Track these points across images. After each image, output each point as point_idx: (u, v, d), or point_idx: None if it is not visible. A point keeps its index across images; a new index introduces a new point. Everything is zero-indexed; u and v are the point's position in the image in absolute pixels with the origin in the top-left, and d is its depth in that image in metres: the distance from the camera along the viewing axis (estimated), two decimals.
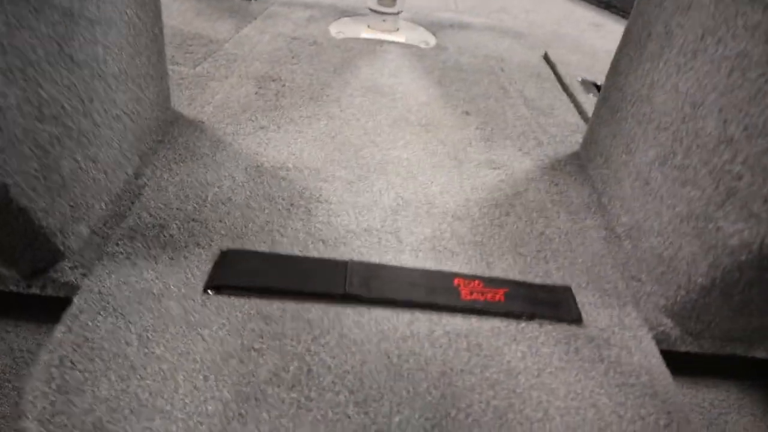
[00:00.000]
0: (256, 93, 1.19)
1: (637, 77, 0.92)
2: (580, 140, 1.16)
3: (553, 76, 1.55)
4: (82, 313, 0.64)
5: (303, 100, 1.18)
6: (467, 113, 1.22)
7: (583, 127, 1.25)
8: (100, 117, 0.75)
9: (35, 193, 0.63)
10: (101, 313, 0.64)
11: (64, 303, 0.66)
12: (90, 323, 0.63)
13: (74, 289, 0.68)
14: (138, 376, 0.58)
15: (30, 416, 0.53)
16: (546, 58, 1.68)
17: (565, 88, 1.47)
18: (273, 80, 1.26)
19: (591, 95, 1.43)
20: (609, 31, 2.15)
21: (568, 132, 1.22)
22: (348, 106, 1.18)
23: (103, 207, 0.79)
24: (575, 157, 1.11)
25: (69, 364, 0.58)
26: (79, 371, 0.58)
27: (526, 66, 1.59)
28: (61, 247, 0.70)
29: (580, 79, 1.51)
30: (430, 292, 0.71)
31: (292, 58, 1.41)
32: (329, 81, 1.29)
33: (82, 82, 0.70)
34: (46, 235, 0.66)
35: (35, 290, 0.71)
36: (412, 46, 1.62)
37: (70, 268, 0.71)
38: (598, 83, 1.50)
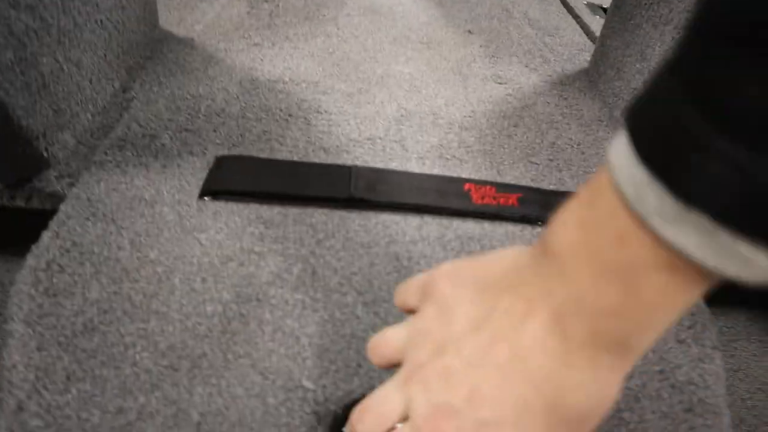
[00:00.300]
0: (248, 12, 1.13)
1: None
2: (588, 59, 1.11)
3: None
4: (70, 219, 0.60)
5: (298, 19, 1.12)
6: (470, 32, 1.17)
7: (590, 47, 1.20)
8: (81, 18, 0.70)
9: (13, 88, 0.58)
10: (90, 219, 0.60)
11: None
12: (79, 228, 0.59)
13: (60, 199, 0.64)
14: (131, 279, 0.54)
15: (16, 318, 0.50)
16: None
17: (570, 10, 1.40)
18: (265, 1, 1.20)
19: (598, 17, 1.37)
20: None
21: (575, 51, 1.17)
22: (346, 24, 1.12)
23: (89, 117, 0.74)
24: (584, 74, 1.06)
25: (57, 267, 0.54)
26: (68, 275, 0.54)
27: None
28: (45, 154, 0.65)
29: (586, 2, 1.45)
30: (440, 196, 0.67)
31: None
32: (325, 1, 1.23)
33: None
34: (27, 138, 0.62)
35: (20, 202, 0.67)
36: None
37: (56, 177, 0.66)
38: (605, 6, 1.44)
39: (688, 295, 0.24)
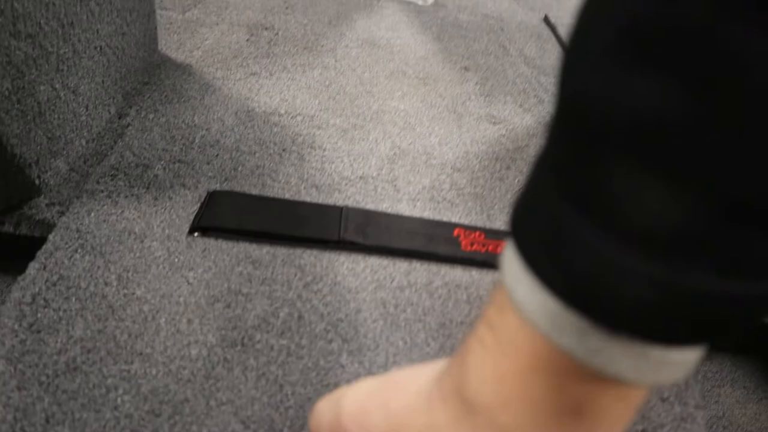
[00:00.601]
0: (247, 40, 1.14)
1: None
2: None
3: (553, 38, 1.51)
4: (58, 250, 0.59)
5: (297, 50, 1.13)
6: (466, 69, 1.18)
7: None
8: (81, 45, 0.70)
9: (8, 116, 0.58)
10: (78, 251, 0.60)
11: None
12: (66, 261, 0.58)
13: (50, 227, 0.64)
14: (116, 317, 0.54)
15: None
16: (546, 20, 1.63)
17: (565, 49, 1.42)
18: (265, 29, 1.20)
19: None
20: None
21: None
22: (343, 56, 1.13)
23: (84, 144, 0.74)
24: None
25: (42, 302, 0.54)
26: (53, 310, 0.54)
27: (526, 27, 1.54)
28: (37, 182, 0.65)
29: None
30: (429, 242, 0.67)
31: (286, 8, 1.35)
32: (324, 32, 1.24)
33: (62, 3, 0.65)
34: (20, 165, 0.62)
35: (8, 228, 0.67)
36: (410, 2, 1.56)
37: (46, 204, 0.66)
38: None
39: (639, 405, 0.23)
